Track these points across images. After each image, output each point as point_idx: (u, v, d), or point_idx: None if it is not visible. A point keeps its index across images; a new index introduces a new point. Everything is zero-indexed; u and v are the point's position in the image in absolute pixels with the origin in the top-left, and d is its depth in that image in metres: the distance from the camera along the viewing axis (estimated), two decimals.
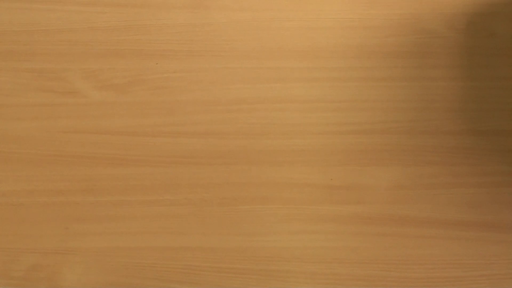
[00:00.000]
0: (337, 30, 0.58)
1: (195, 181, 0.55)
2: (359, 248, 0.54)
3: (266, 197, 0.55)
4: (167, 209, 0.55)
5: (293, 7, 0.58)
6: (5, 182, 0.55)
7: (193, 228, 0.54)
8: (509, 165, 0.55)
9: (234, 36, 0.58)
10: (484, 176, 0.55)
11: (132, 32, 0.58)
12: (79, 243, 0.54)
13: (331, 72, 0.57)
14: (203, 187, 0.55)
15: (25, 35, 0.58)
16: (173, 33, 0.58)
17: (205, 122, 0.57)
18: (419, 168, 0.56)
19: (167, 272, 0.53)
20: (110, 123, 0.57)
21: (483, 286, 0.53)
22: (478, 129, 0.56)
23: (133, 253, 0.53)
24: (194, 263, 0.53)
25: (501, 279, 0.53)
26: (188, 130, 0.57)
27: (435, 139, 0.56)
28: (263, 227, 0.54)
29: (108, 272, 0.53)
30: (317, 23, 0.58)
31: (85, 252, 0.54)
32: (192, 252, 0.53)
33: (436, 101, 0.57)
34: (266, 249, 0.53)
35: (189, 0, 0.58)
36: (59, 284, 0.53)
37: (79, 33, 0.58)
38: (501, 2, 0.58)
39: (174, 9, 0.58)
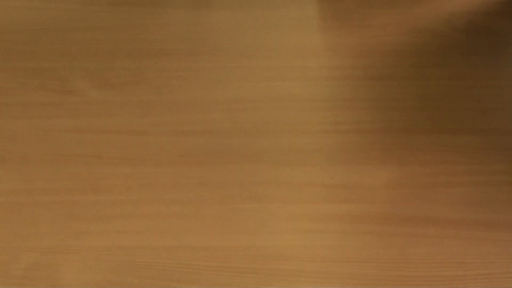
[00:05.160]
0: (336, 29, 0.58)
1: (195, 180, 0.55)
2: (359, 246, 0.54)
3: (266, 196, 0.55)
4: (166, 208, 0.55)
5: (293, 5, 0.58)
6: (4, 181, 0.55)
7: (193, 227, 0.54)
8: (507, 164, 0.55)
9: (234, 35, 0.58)
10: (483, 175, 0.55)
11: (132, 31, 0.58)
12: (79, 242, 0.54)
13: (331, 71, 0.57)
14: (203, 186, 0.55)
15: (24, 34, 0.58)
16: (173, 32, 0.58)
17: (205, 121, 0.57)
18: (418, 167, 0.56)
19: (167, 271, 0.53)
20: (109, 122, 0.57)
21: (482, 285, 0.53)
22: (477, 128, 0.56)
23: (133, 252, 0.53)
24: (194, 262, 0.53)
25: (500, 278, 0.53)
26: (188, 129, 0.57)
27: (434, 138, 0.56)
28: (263, 226, 0.54)
29: (107, 271, 0.53)
30: (317, 22, 0.58)
31: (84, 251, 0.54)
32: (192, 251, 0.53)
33: (435, 100, 0.57)
34: (266, 248, 0.53)
35: None
36: (59, 283, 0.53)
37: (79, 32, 0.58)
38: (500, 1, 0.58)
39: (174, 8, 0.58)
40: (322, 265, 0.53)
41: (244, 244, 0.53)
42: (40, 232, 0.54)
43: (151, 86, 0.57)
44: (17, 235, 0.54)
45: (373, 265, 0.53)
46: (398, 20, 0.57)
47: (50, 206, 0.55)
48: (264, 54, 0.57)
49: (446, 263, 0.53)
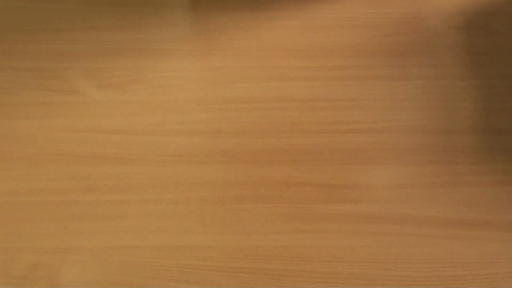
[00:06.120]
0: (337, 29, 0.58)
1: (194, 179, 0.55)
2: (358, 247, 0.53)
3: (265, 195, 0.55)
4: (166, 208, 0.55)
5: (293, 5, 0.58)
6: (4, 181, 0.55)
7: (192, 227, 0.54)
8: (507, 164, 0.55)
9: (234, 34, 0.58)
10: (485, 175, 0.55)
11: (132, 31, 0.58)
12: (79, 242, 0.54)
13: (331, 71, 0.57)
14: (202, 185, 0.55)
15: (24, 34, 0.58)
16: (173, 31, 0.58)
17: (204, 121, 0.57)
18: (419, 167, 0.56)
19: (166, 271, 0.53)
20: (109, 122, 0.57)
21: (483, 285, 0.53)
22: (478, 127, 0.56)
23: (132, 252, 0.53)
24: (193, 262, 0.53)
25: (502, 278, 0.53)
26: (188, 128, 0.57)
27: (435, 138, 0.56)
28: (262, 226, 0.54)
29: (107, 271, 0.53)
30: (317, 22, 0.58)
31: (84, 251, 0.54)
32: (191, 251, 0.53)
33: (436, 100, 0.57)
34: (265, 248, 0.53)
35: None
36: (59, 283, 0.53)
37: (78, 32, 0.58)
38: (500, 1, 0.58)
39: (173, 8, 0.58)
40: (322, 265, 0.53)
41: (243, 244, 0.53)
42: (40, 232, 0.54)
43: (150, 85, 0.57)
44: (17, 235, 0.54)
45: (373, 265, 0.53)
46: (397, 20, 0.57)
47: (50, 206, 0.55)
48: (264, 53, 0.57)
49: (447, 263, 0.53)
